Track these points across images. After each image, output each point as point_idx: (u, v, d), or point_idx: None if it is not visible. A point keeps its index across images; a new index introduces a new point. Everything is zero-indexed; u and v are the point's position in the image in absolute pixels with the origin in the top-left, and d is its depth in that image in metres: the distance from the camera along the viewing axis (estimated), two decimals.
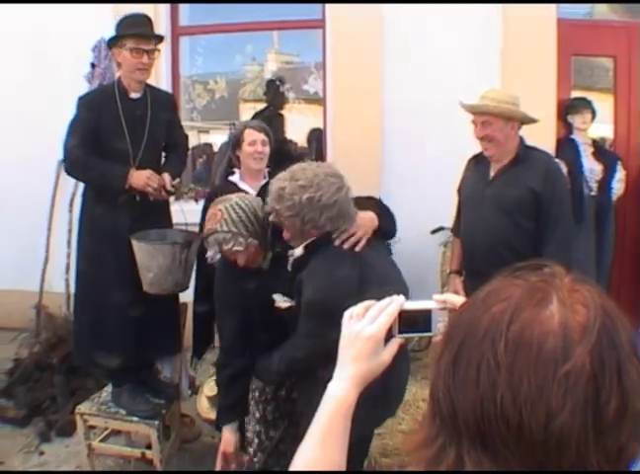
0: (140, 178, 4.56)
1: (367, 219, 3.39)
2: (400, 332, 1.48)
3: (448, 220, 5.88)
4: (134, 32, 4.61)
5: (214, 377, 5.20)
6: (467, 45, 6.29)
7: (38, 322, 6.50)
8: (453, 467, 1.04)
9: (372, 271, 3.26)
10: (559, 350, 0.96)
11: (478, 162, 4.58)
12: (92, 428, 4.89)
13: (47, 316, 6.38)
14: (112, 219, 4.76)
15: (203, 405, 5.12)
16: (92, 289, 4.86)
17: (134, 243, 4.56)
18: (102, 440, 4.89)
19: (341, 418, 1.45)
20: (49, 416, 5.53)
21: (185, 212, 5.03)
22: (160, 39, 4.81)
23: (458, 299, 1.46)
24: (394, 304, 1.47)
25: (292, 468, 1.42)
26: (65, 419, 5.32)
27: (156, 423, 4.65)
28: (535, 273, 1.10)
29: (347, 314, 1.52)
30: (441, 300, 1.48)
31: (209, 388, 5.12)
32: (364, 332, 1.46)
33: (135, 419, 4.68)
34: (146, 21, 4.75)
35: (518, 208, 4.26)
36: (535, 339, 0.98)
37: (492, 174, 4.43)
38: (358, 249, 3.27)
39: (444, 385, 1.08)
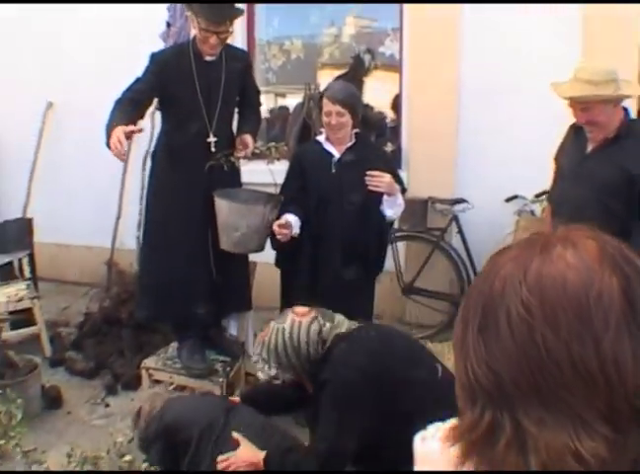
0: (112, 137, 4.28)
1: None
2: None
3: (523, 188, 5.71)
4: (206, 13, 4.49)
5: None
6: (548, 9, 5.99)
7: (109, 278, 6.54)
8: (513, 438, 0.95)
9: None
10: (583, 277, 0.94)
11: (578, 130, 4.25)
12: (157, 382, 4.89)
13: (118, 272, 6.40)
14: (184, 178, 4.74)
15: None
16: (160, 246, 4.85)
17: (221, 202, 4.53)
18: None
19: None
20: (116, 369, 5.58)
21: (256, 172, 4.98)
22: (235, 16, 4.69)
23: None
24: None
25: None
26: (131, 372, 5.36)
27: (220, 380, 4.63)
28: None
29: (418, 437, 1.37)
30: None
31: None
32: None
33: None
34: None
35: (609, 190, 3.97)
36: (556, 274, 0.95)
37: (589, 148, 4.15)
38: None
39: (478, 358, 1.00)
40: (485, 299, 1.02)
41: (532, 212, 5.95)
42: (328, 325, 3.47)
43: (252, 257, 5.14)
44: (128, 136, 4.30)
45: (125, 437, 3.83)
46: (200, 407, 3.74)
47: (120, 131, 4.17)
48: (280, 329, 3.46)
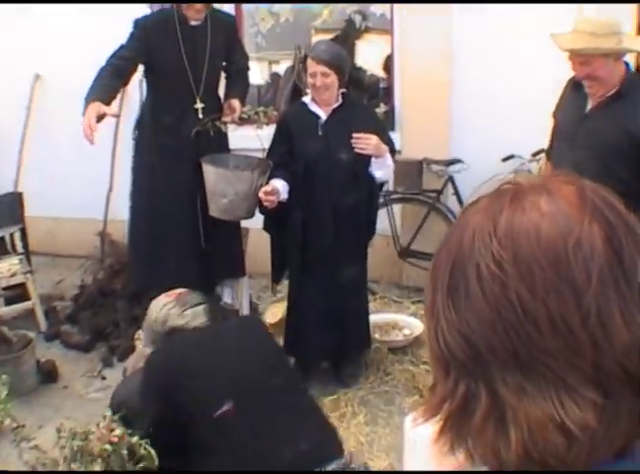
0: (86, 115, 4.27)
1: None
2: None
3: (520, 148, 5.59)
4: None
5: (277, 304, 5.10)
6: None
7: (102, 249, 6.46)
8: (490, 409, 0.86)
9: None
10: (560, 225, 0.84)
11: (577, 86, 3.99)
12: None
13: (111, 243, 6.33)
14: (170, 145, 4.64)
15: None
16: (148, 215, 4.76)
17: (208, 168, 4.43)
18: None
19: None
20: (112, 341, 5.53)
21: (244, 138, 4.88)
22: None
23: None
24: None
25: None
26: (127, 344, 5.23)
27: None
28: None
29: (409, 420, 1.34)
30: None
31: (272, 314, 4.98)
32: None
33: None
34: None
35: (610, 152, 3.75)
36: (529, 225, 0.85)
37: (589, 106, 3.91)
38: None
39: (449, 324, 0.89)
40: (453, 257, 0.91)
41: (530, 172, 5.81)
42: (175, 312, 3.30)
43: (244, 223, 5.06)
44: (100, 118, 4.22)
45: None
46: None
47: (92, 113, 4.12)
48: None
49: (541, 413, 0.82)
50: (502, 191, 0.93)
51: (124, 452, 2.99)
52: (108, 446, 3.03)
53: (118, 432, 3.04)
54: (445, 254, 0.93)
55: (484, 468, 0.92)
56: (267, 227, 4.82)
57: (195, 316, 3.28)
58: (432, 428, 1.10)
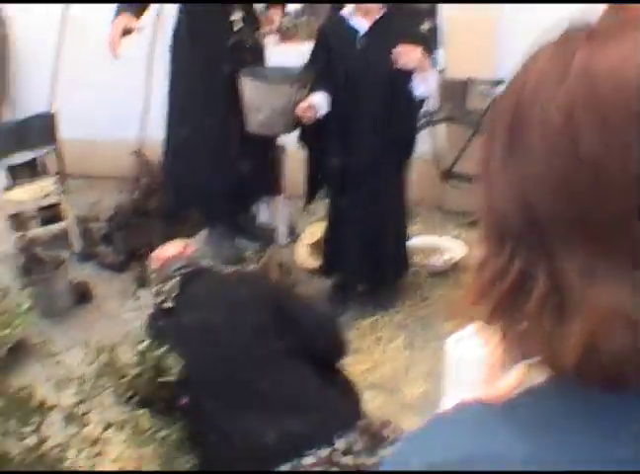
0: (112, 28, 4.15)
1: None
2: None
3: None
4: None
5: (315, 224, 4.92)
6: None
7: (137, 169, 6.29)
8: (549, 292, 0.69)
9: None
10: None
11: None
12: None
13: (146, 163, 6.13)
14: (205, 58, 4.44)
15: (302, 253, 4.84)
16: (182, 133, 4.58)
17: (246, 81, 4.24)
18: None
19: None
20: (146, 261, 5.34)
21: (283, 53, 4.68)
22: None
23: None
24: None
25: None
26: None
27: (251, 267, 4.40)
28: None
29: (452, 341, 1.22)
30: None
31: (310, 234, 4.82)
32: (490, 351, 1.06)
33: None
34: None
35: None
36: (613, 62, 0.64)
37: None
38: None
39: (505, 185, 0.73)
40: (514, 105, 0.73)
41: None
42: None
43: (282, 142, 4.86)
44: (127, 32, 4.11)
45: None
46: None
47: (118, 27, 3.98)
48: None
49: (611, 301, 0.64)
50: (573, 33, 0.73)
51: (151, 365, 2.87)
52: (135, 358, 2.91)
53: (144, 344, 2.92)
54: (504, 102, 0.76)
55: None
56: (303, 138, 4.60)
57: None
58: (477, 349, 1.06)
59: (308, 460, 2.64)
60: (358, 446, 2.69)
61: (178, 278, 3.07)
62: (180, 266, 3.13)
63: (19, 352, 4.33)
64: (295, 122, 4.37)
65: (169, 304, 3.01)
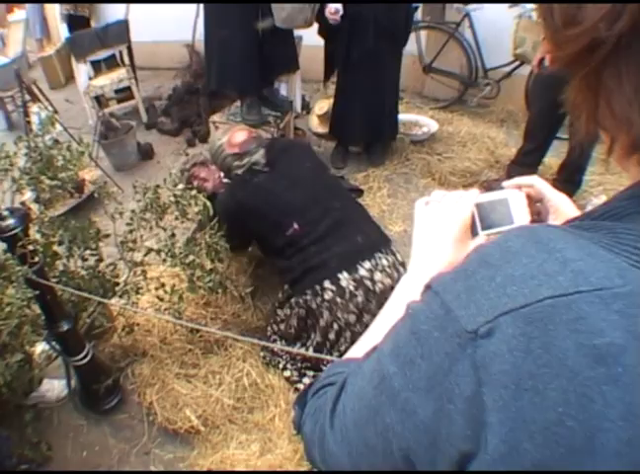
0: None
1: None
2: (483, 228, 0.84)
3: None
4: None
5: (324, 100, 4.34)
6: None
7: (189, 59, 5.61)
8: None
9: None
10: None
11: None
12: None
13: (196, 54, 5.51)
14: None
15: (314, 121, 4.28)
16: (217, 25, 3.83)
17: None
18: None
19: None
20: (195, 127, 4.95)
21: None
22: None
23: (529, 181, 0.87)
24: (473, 192, 0.85)
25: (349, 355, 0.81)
26: (205, 129, 4.70)
27: (272, 129, 3.99)
28: None
29: (421, 202, 0.89)
30: (514, 185, 0.87)
31: (319, 108, 4.21)
32: (450, 215, 0.84)
33: None
34: None
35: None
36: None
37: None
38: None
39: None
40: None
41: (530, 17, 4.69)
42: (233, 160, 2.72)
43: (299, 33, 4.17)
44: None
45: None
46: None
47: None
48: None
49: None
50: None
51: (185, 203, 2.32)
52: (172, 198, 2.36)
53: (180, 186, 2.38)
54: None
55: None
56: (320, 32, 3.95)
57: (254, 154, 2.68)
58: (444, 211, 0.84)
59: (384, 261, 2.39)
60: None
61: (262, 150, 2.68)
62: (255, 143, 2.71)
63: (92, 197, 3.90)
64: (311, 20, 3.67)
65: (259, 167, 2.63)
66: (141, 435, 2.51)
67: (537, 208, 0.88)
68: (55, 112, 4.09)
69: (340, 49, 3.84)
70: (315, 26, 3.85)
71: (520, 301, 0.47)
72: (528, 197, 0.85)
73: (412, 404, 0.53)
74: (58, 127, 4.20)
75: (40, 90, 4.47)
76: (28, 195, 2.55)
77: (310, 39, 4.22)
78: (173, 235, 2.39)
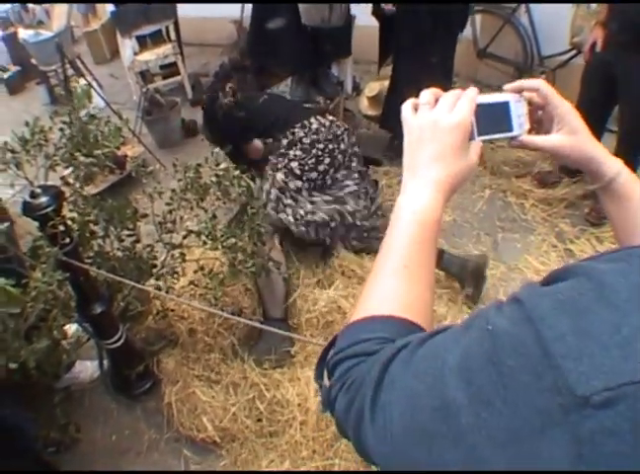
0: None
1: None
2: (479, 133, 0.75)
3: None
4: None
5: (375, 81, 4.18)
6: None
7: (237, 35, 5.53)
8: None
9: None
10: None
11: None
12: None
13: (244, 30, 5.34)
14: None
15: (364, 103, 4.11)
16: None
17: None
18: None
19: (427, 241, 0.68)
20: None
21: None
22: None
23: (535, 84, 0.79)
24: (471, 91, 0.75)
25: (364, 311, 0.64)
26: None
27: None
28: None
29: (408, 105, 0.79)
30: (516, 88, 0.79)
31: (370, 89, 4.05)
32: (447, 120, 0.72)
33: None
34: None
35: None
36: None
37: None
38: None
39: None
40: None
41: (588, 6, 4.43)
42: None
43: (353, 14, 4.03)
44: None
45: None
46: None
47: None
48: None
49: None
50: None
51: (227, 183, 2.20)
52: (214, 178, 2.25)
53: (223, 165, 2.26)
54: None
55: None
56: (375, 12, 3.78)
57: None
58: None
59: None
60: None
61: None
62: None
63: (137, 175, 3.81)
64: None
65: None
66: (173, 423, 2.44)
67: (539, 117, 0.80)
68: (100, 86, 4.04)
69: (394, 34, 3.66)
70: (369, 5, 3.71)
71: None
72: (530, 103, 0.79)
73: (481, 453, 0.42)
74: (100, 102, 4.16)
75: (85, 64, 4.42)
76: (68, 170, 2.48)
77: (364, 18, 4.05)
78: (214, 217, 2.28)
